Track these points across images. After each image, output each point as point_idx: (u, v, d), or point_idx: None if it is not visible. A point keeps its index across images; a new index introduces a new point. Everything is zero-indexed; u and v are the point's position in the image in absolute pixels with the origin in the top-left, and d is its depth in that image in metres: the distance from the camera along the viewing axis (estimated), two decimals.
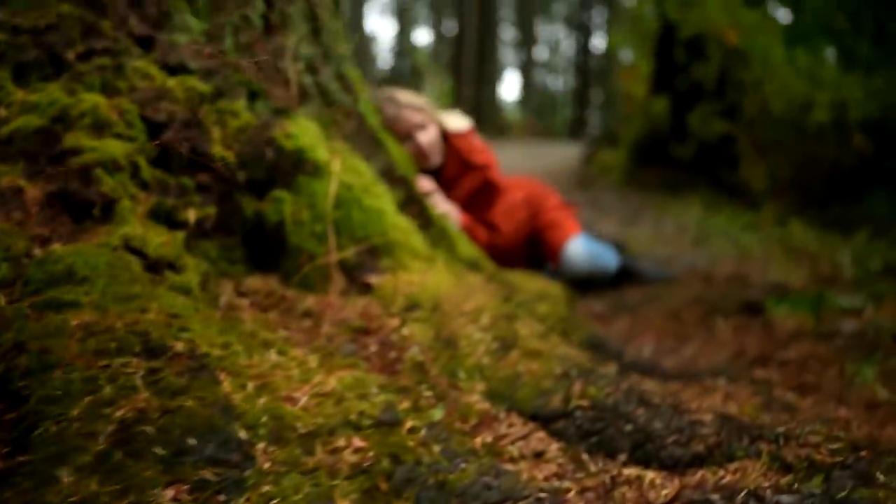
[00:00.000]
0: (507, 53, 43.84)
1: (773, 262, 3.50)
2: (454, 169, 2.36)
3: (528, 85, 34.74)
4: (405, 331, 1.24)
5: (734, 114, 7.32)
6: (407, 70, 39.07)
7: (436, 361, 1.16)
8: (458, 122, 2.46)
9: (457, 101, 20.69)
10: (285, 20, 1.65)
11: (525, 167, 11.55)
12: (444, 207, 2.13)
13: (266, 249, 1.40)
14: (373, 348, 1.16)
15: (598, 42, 34.51)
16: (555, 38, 43.49)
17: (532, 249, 2.66)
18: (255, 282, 1.34)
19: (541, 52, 42.99)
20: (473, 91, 17.70)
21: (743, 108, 7.32)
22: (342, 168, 1.56)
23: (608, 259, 2.55)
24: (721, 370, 1.73)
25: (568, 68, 41.73)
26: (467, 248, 2.03)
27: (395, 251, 1.50)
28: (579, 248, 2.49)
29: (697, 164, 7.41)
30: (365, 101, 1.92)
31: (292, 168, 1.46)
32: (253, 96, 1.52)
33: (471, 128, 2.49)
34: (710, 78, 7.63)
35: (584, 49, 32.67)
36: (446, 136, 2.39)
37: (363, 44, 26.40)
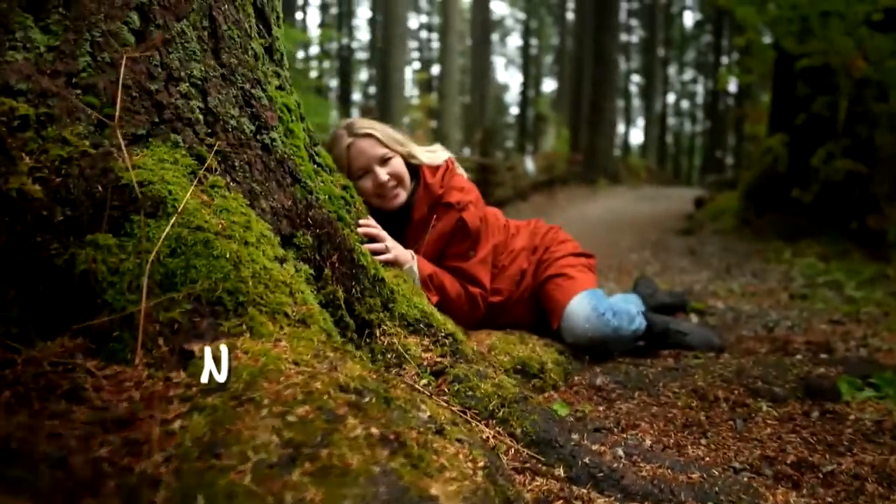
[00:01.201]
0: (636, 100, 42.87)
1: (883, 329, 2.79)
2: (424, 208, 2.00)
3: (653, 130, 33.58)
4: (176, 425, 0.90)
5: (864, 151, 6.37)
6: (531, 118, 39.18)
7: (178, 478, 0.81)
8: (432, 154, 2.11)
9: (573, 147, 20.24)
10: (170, 36, 1.41)
11: (633, 212, 10.85)
12: (396, 254, 1.78)
13: (75, 305, 1.12)
14: (102, 451, 0.84)
15: (730, 85, 32.96)
16: (686, 82, 42.09)
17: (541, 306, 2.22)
18: (46, 349, 1.06)
19: (673, 97, 41.69)
20: (588, 137, 17.19)
21: (875, 145, 6.36)
22: (207, 207, 1.27)
23: (624, 321, 2.06)
24: (720, 488, 1.23)
25: (700, 112, 40.15)
26: (415, 305, 1.66)
27: (247, 310, 1.17)
28: (582, 307, 2.03)
29: (819, 208, 6.50)
30: (295, 129, 1.64)
31: (128, 205, 1.19)
32: (102, 123, 1.28)
33: (449, 161, 2.13)
34: (834, 112, 6.73)
35: (714, 92, 31.20)
36: (418, 172, 2.05)
37: (487, 93, 26.70)
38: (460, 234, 1.99)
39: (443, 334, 1.63)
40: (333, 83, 40.69)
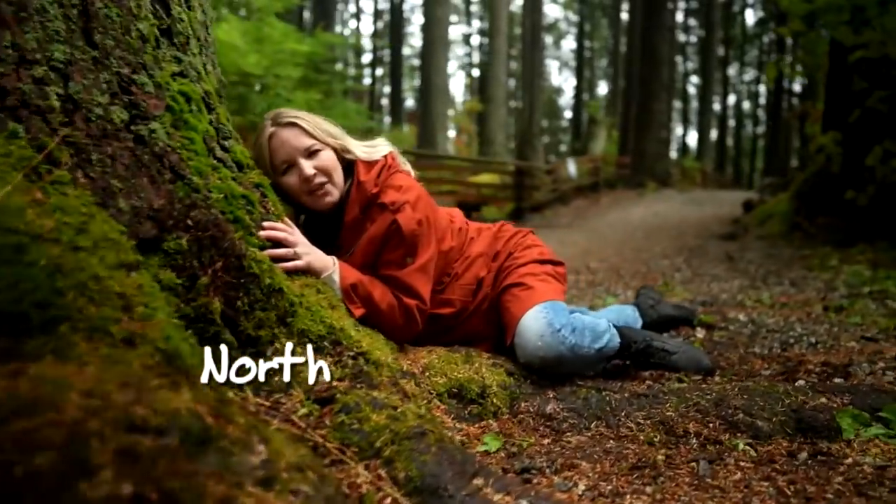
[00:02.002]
0: (694, 102, 41.64)
1: None
2: (356, 209, 1.78)
3: (712, 132, 32.50)
4: None
5: None
6: (584, 121, 38.55)
7: None
8: (370, 149, 1.89)
9: (621, 150, 19.70)
10: (26, 14, 1.24)
11: (678, 216, 10.38)
12: (309, 261, 1.56)
13: None
14: None
15: (793, 83, 31.68)
16: (748, 82, 40.71)
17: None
18: None
19: (734, 98, 40.35)
20: (635, 140, 16.65)
21: None
22: (38, 206, 1.10)
23: (585, 339, 1.78)
24: None
25: (763, 113, 38.75)
26: (322, 319, 1.45)
27: (57, 327, 0.99)
28: (536, 322, 1.76)
29: (875, 211, 5.97)
30: (191, 120, 1.46)
31: None
32: None
33: (389, 157, 1.90)
34: (892, 107, 6.19)
35: (776, 92, 29.98)
36: (353, 167, 1.83)
37: (536, 96, 26.28)
38: (395, 239, 1.76)
39: (350, 354, 1.41)
40: (387, 89, 41.05)
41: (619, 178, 16.61)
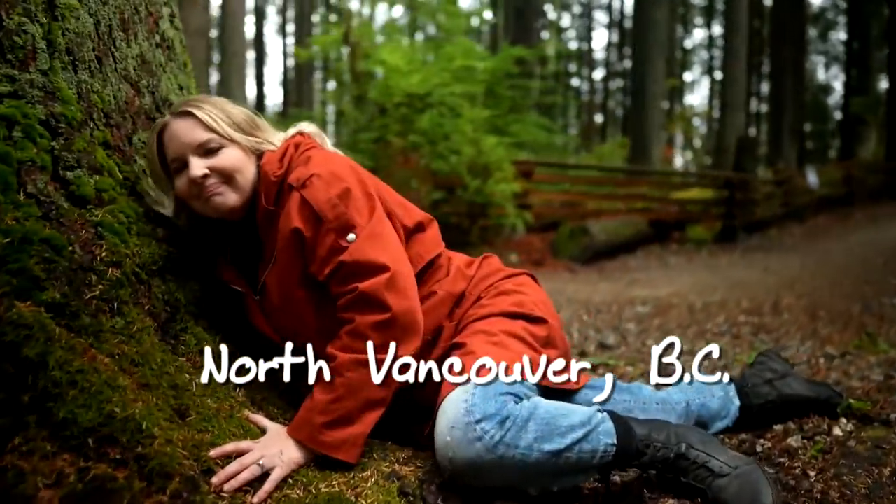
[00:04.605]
0: None
1: None
2: (265, 200, 1.42)
3: None
4: None
5: None
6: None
7: None
8: (280, 134, 1.50)
9: (889, 155, 16.53)
10: None
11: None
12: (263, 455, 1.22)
13: None
14: None
15: None
16: None
17: None
18: None
19: None
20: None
21: None
22: None
23: (524, 437, 1.16)
24: None
25: None
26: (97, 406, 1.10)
27: None
28: (454, 408, 1.21)
29: None
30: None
31: None
32: None
33: (300, 137, 1.49)
34: None
35: None
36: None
37: (785, 97, 23.28)
38: (311, 224, 1.35)
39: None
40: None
41: (885, 189, 13.80)
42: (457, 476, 1.23)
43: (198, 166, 1.41)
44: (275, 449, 1.23)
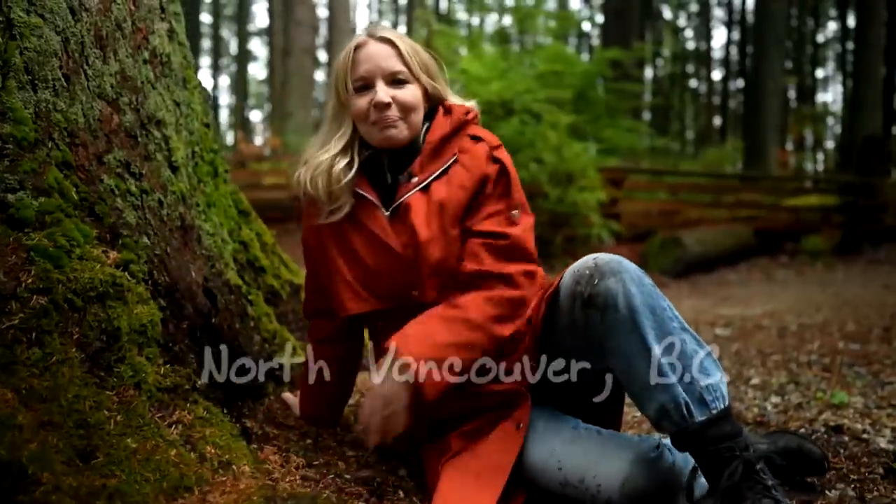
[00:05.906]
0: None
1: None
2: (447, 128, 1.56)
3: None
4: None
5: None
6: None
7: None
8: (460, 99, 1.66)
9: None
10: None
11: None
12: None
13: None
14: None
15: None
16: None
17: None
18: None
19: None
20: None
21: None
22: None
23: None
24: None
25: None
26: None
27: None
28: None
29: None
30: None
31: None
32: None
33: (474, 112, 1.60)
34: None
35: None
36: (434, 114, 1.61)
37: None
38: (494, 183, 1.47)
39: None
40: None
41: None
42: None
43: (385, 92, 1.48)
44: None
